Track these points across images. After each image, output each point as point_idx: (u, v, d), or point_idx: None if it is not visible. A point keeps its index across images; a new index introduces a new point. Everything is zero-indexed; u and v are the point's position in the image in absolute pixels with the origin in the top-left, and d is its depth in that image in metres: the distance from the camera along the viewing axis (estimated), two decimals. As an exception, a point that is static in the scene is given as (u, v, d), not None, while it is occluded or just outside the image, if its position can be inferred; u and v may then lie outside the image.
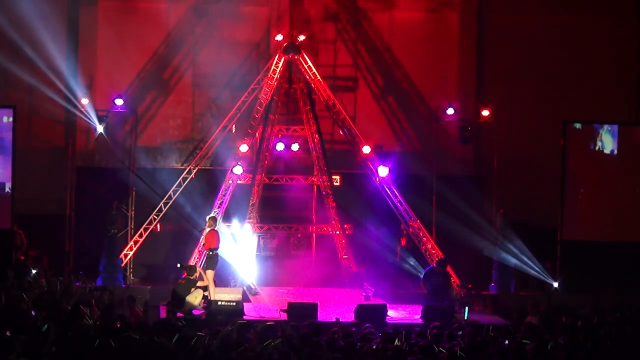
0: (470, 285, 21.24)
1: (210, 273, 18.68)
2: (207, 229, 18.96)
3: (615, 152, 22.70)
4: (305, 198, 23.27)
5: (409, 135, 24.69)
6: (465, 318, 17.90)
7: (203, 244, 19.90)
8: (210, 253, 18.74)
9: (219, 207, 21.71)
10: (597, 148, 22.66)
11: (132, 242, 22.17)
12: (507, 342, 13.20)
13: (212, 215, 19.89)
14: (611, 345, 12.68)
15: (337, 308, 19.01)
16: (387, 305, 18.62)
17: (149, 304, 18.67)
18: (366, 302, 19.74)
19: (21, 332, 11.92)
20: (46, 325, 12.47)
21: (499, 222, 22.54)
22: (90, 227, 22.21)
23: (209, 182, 22.78)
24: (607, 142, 22.68)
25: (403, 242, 22.79)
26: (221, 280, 20.34)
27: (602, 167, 22.75)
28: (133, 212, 22.60)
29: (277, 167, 23.22)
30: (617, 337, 13.71)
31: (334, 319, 16.31)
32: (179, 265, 19.37)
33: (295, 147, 22.52)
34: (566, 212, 22.49)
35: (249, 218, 22.01)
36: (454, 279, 20.87)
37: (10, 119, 21.17)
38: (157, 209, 22.12)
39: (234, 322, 13.81)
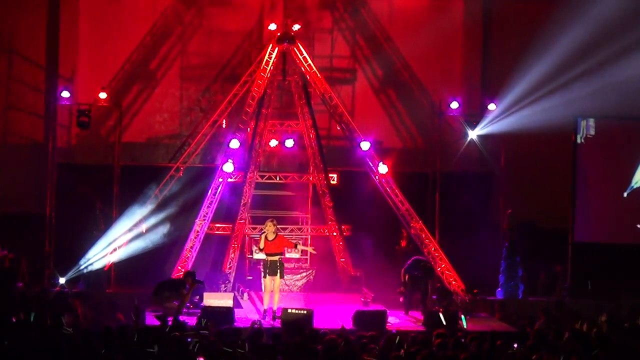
0: (475, 290, 21.12)
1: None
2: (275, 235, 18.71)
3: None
4: (300, 197, 23.03)
5: (411, 131, 24.58)
6: (465, 327, 17.87)
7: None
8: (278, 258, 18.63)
9: (208, 207, 21.53)
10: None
11: (116, 245, 21.88)
12: (514, 350, 13.08)
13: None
14: (625, 354, 12.46)
15: (334, 314, 18.83)
16: (388, 311, 18.53)
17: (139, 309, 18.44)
18: (365, 308, 19.55)
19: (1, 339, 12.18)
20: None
21: (506, 223, 22.46)
22: (71, 228, 22.08)
23: (198, 180, 22.52)
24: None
25: (403, 244, 22.64)
26: (211, 286, 20.29)
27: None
28: (117, 213, 22.30)
29: (271, 165, 23.34)
30: (631, 346, 13.32)
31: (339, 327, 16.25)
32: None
33: (289, 143, 22.31)
34: (578, 212, 22.40)
35: (241, 219, 21.79)
36: (457, 285, 20.96)
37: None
38: (143, 209, 21.89)
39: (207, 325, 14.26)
